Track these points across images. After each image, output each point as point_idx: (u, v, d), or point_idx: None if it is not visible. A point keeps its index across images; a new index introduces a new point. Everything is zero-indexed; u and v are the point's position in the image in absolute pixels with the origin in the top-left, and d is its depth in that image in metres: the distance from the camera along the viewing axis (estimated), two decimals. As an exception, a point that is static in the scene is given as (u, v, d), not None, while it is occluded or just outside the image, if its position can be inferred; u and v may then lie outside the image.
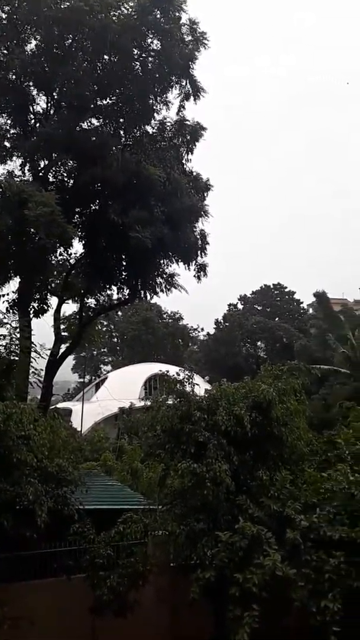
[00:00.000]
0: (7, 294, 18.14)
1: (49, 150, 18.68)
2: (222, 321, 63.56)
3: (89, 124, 19.24)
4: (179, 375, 11.97)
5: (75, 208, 19.25)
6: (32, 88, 19.11)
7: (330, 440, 11.70)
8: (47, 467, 10.75)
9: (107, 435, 30.65)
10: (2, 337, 12.72)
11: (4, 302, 18.09)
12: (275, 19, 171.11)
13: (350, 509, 9.07)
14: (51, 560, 11.30)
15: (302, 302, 68.07)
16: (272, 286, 70.26)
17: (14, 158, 19.16)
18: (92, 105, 18.82)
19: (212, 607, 9.95)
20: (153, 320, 68.76)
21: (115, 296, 21.11)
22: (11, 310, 17.47)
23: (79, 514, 11.01)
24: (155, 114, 19.38)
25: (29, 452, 10.26)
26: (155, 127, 19.82)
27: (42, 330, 18.80)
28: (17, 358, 12.74)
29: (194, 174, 20.26)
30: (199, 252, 19.89)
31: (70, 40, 18.30)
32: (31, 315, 17.67)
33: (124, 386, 46.41)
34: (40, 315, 18.09)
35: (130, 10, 17.91)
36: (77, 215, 19.52)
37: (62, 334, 20.10)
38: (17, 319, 14.72)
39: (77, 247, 19.53)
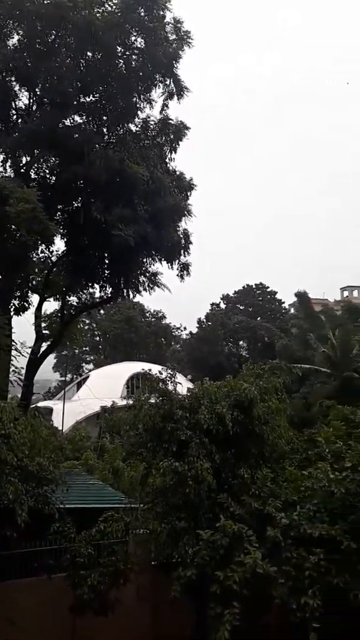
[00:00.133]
0: (-13, 291, 17.92)
1: (31, 146, 18.47)
2: (204, 320, 63.83)
3: (72, 120, 19.05)
4: (161, 374, 12.01)
5: (58, 205, 19.03)
6: (14, 83, 18.87)
7: (310, 439, 11.82)
8: (27, 466, 10.64)
9: (88, 434, 30.58)
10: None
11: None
12: (260, 17, 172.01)
13: (330, 506, 9.14)
14: (32, 559, 11.24)
15: (283, 302, 68.92)
16: (254, 286, 70.85)
17: (-4, 154, 18.93)
18: (75, 102, 18.64)
19: (193, 605, 9.99)
20: (136, 319, 68.67)
21: (97, 294, 20.99)
22: (-9, 308, 17.25)
23: (59, 513, 10.95)
24: (138, 112, 19.27)
25: (9, 451, 10.13)
26: (139, 126, 19.71)
27: (23, 328, 18.70)
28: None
29: (178, 173, 20.19)
30: (182, 251, 19.84)
31: (53, 36, 18.09)
32: (12, 313, 17.49)
33: (106, 385, 46.24)
34: (21, 313, 17.94)
35: (114, 7, 17.81)
36: (59, 213, 19.30)
37: (44, 332, 19.90)
38: (-2, 316, 14.58)
39: (59, 245, 19.43)
